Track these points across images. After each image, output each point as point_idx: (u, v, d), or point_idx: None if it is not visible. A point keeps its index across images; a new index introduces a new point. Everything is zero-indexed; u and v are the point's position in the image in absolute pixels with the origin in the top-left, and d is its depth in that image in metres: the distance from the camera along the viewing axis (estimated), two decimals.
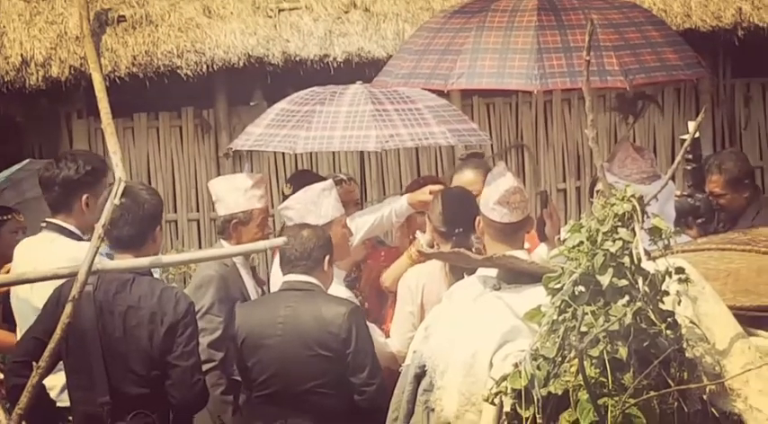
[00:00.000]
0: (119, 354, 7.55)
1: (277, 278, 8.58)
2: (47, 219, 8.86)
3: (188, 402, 7.68)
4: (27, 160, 11.80)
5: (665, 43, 8.82)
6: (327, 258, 8.23)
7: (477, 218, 7.94)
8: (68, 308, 6.01)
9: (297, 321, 7.98)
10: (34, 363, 5.98)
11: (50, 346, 6.04)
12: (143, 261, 7.19)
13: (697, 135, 9.36)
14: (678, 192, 10.14)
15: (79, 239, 8.52)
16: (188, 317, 7.63)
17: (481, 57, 8.62)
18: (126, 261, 7.58)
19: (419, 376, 7.13)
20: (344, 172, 13.15)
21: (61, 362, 7.63)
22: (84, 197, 8.55)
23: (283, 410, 8.01)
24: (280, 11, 13.83)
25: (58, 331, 6.08)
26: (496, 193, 7.77)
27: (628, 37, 8.60)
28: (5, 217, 10.13)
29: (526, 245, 8.13)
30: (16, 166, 11.22)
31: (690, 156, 9.91)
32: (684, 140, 9.28)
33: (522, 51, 8.48)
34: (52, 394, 8.11)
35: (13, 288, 8.70)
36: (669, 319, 6.28)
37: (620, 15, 8.82)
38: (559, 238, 6.86)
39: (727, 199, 9.89)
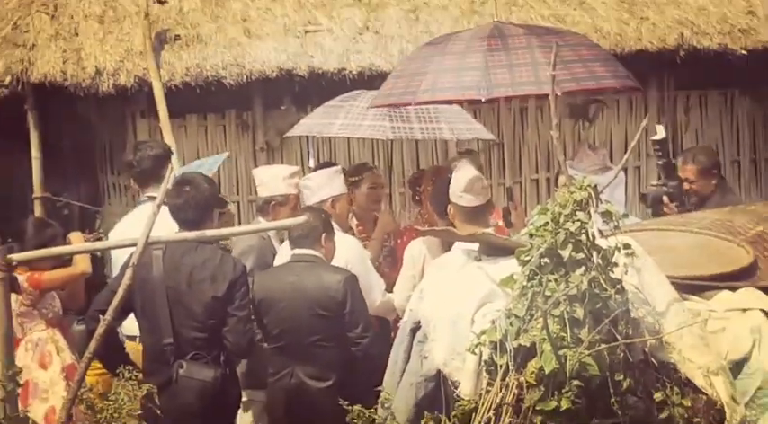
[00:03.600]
0: (182, 304, 7.64)
1: (282, 253, 8.60)
2: (147, 194, 9.02)
3: (240, 346, 7.88)
4: (226, 153, 11.76)
5: (596, 60, 8.93)
6: (325, 235, 8.26)
7: (449, 205, 7.97)
8: (129, 273, 6.05)
9: (302, 286, 8.02)
10: (101, 316, 6.01)
11: (114, 304, 6.07)
12: (190, 235, 7.23)
13: (664, 136, 9.87)
14: (654, 182, 10.36)
15: None
16: (243, 277, 7.91)
17: (441, 76, 8.77)
18: (177, 234, 7.63)
19: (414, 330, 7.15)
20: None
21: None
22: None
23: (292, 359, 8.05)
24: (306, 32, 13.79)
25: (120, 291, 6.11)
26: (462, 183, 7.83)
27: (562, 54, 8.64)
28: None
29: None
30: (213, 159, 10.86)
31: (660, 153, 10.02)
32: (655, 140, 9.85)
33: (474, 69, 8.60)
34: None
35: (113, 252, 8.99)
36: (618, 286, 6.29)
37: (557, 38, 8.87)
38: (525, 224, 6.87)
39: (698, 185, 9.98)
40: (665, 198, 9.90)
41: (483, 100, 9.05)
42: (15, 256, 6.70)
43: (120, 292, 6.18)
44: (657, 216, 9.79)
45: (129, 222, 9.25)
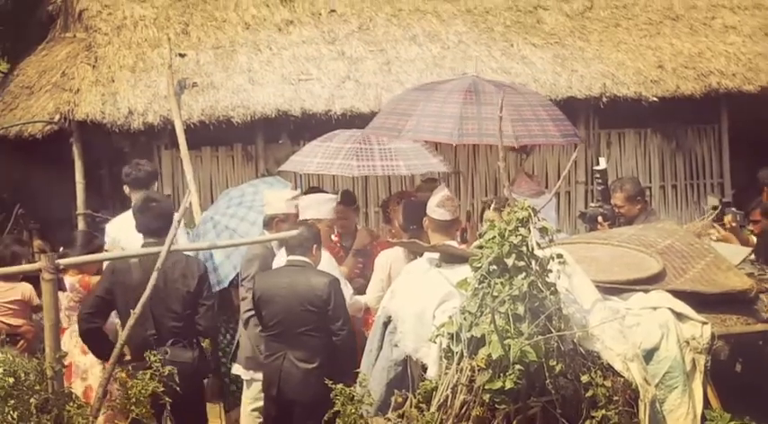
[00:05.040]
0: (160, 300, 7.60)
1: (279, 259, 8.58)
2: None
3: (209, 328, 8.03)
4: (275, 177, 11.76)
5: (550, 120, 8.90)
6: (315, 246, 8.25)
7: (425, 218, 7.96)
8: (155, 275, 6.01)
9: (294, 286, 8.00)
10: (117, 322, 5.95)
11: (142, 300, 6.00)
12: (203, 244, 7.20)
13: (605, 167, 10.36)
14: (593, 204, 10.54)
15: None
16: (206, 274, 8.02)
17: (423, 120, 8.75)
18: (195, 244, 7.61)
19: (386, 324, 7.18)
20: (342, 186, 13.23)
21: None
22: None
23: (285, 345, 8.04)
24: (299, 80, 13.76)
25: (148, 291, 6.07)
26: (437, 199, 7.80)
27: (523, 113, 8.68)
28: None
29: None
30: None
31: (600, 181, 10.23)
32: (597, 170, 10.28)
33: (451, 117, 8.58)
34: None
35: None
36: (552, 288, 6.33)
37: (520, 99, 8.90)
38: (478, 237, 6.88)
39: (625, 209, 10.04)
40: (600, 218, 9.98)
41: (454, 144, 9.10)
42: (62, 261, 6.71)
43: (148, 292, 6.14)
44: (593, 231, 9.87)
45: (123, 217, 9.42)
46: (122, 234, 9.15)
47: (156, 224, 7.79)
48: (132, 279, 7.67)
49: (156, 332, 7.60)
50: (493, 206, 9.07)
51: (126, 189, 9.82)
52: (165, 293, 7.68)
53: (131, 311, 7.13)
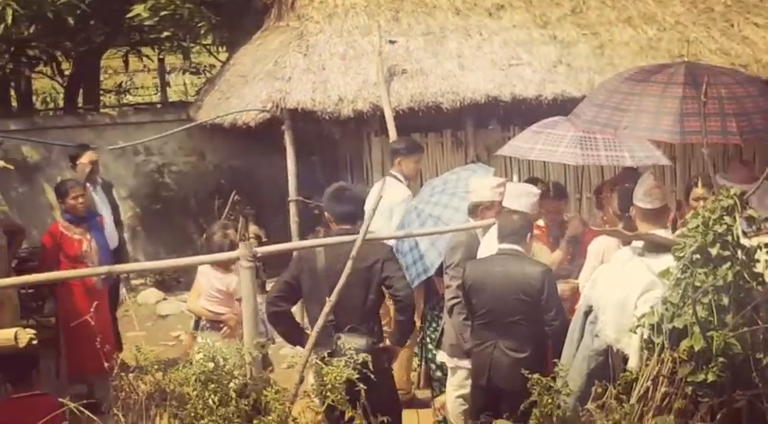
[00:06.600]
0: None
1: (485, 247, 8.58)
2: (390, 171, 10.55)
3: (407, 295, 7.90)
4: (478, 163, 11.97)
5: None
6: (529, 235, 8.22)
7: (632, 207, 7.84)
8: (349, 264, 6.12)
9: (507, 275, 7.96)
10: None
11: (338, 287, 6.12)
12: (399, 233, 7.29)
13: None
14: None
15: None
16: (392, 256, 8.02)
17: (641, 116, 8.50)
18: (384, 232, 7.72)
19: (587, 313, 7.13)
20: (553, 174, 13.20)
21: None
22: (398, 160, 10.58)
23: (496, 334, 8.03)
24: (509, 66, 13.75)
25: (343, 279, 6.18)
26: (644, 188, 7.65)
27: (745, 105, 8.36)
28: None
29: None
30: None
31: None
32: None
33: (670, 114, 8.33)
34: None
35: None
36: (759, 278, 6.18)
37: (741, 90, 8.55)
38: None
39: None
40: None
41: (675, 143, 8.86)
42: (259, 249, 6.92)
43: (343, 280, 6.26)
44: None
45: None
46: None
47: (347, 209, 7.94)
48: (318, 266, 7.84)
49: (335, 319, 7.69)
50: (700, 182, 8.91)
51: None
52: (349, 279, 7.79)
53: (318, 297, 7.29)
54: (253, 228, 15.45)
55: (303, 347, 7.57)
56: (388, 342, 8.13)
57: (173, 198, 16.46)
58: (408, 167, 10.82)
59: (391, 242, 9.02)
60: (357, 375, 6.50)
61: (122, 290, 13.28)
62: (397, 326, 8.06)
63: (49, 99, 23.65)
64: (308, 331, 7.64)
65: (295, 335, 8.01)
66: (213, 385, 5.99)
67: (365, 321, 7.87)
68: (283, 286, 8.02)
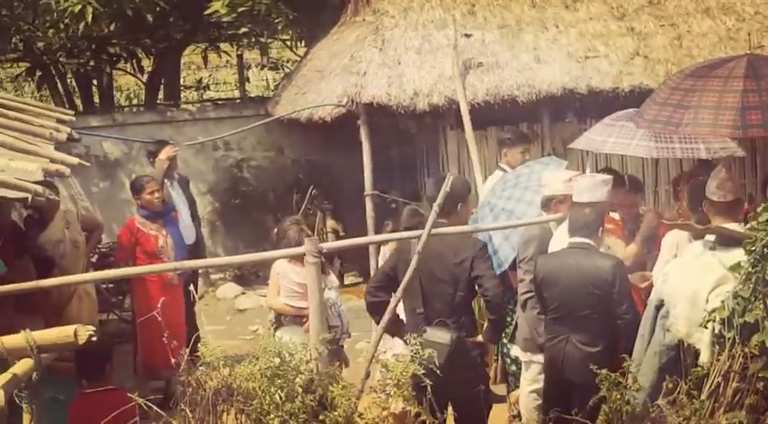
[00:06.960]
0: (435, 279, 7.76)
1: (557, 240, 8.54)
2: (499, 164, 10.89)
3: (496, 294, 7.98)
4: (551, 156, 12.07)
5: None
6: (601, 229, 8.17)
7: (704, 201, 7.76)
8: (415, 258, 6.15)
9: (579, 268, 7.91)
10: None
11: (402, 287, 6.15)
12: (467, 228, 7.30)
13: None
14: None
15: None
16: (484, 252, 8.07)
17: (702, 112, 8.44)
18: (453, 228, 7.72)
19: (658, 307, 7.09)
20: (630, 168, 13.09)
21: None
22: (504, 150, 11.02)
23: (568, 328, 7.99)
24: (586, 58, 13.70)
25: (409, 273, 6.21)
26: (716, 181, 7.57)
27: None
28: None
29: None
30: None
31: None
32: None
33: (731, 109, 8.26)
34: None
35: None
36: None
37: None
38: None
39: None
40: None
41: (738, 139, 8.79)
42: (325, 245, 6.99)
43: (409, 274, 6.29)
44: None
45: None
46: None
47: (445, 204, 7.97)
48: (413, 258, 7.89)
49: (425, 312, 7.75)
50: None
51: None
52: (440, 273, 7.85)
53: (413, 289, 7.31)
54: (330, 222, 15.58)
55: (401, 338, 7.63)
56: (480, 338, 8.20)
57: (251, 193, 16.60)
58: (515, 157, 10.95)
59: None
60: (422, 371, 6.52)
61: (199, 284, 13.37)
62: (489, 324, 8.20)
63: (132, 95, 23.98)
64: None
65: (392, 326, 8.05)
66: (279, 381, 6.04)
67: (453, 315, 7.95)
68: (382, 276, 8.15)
